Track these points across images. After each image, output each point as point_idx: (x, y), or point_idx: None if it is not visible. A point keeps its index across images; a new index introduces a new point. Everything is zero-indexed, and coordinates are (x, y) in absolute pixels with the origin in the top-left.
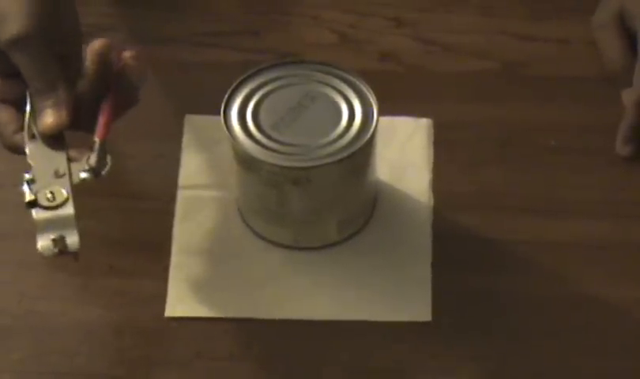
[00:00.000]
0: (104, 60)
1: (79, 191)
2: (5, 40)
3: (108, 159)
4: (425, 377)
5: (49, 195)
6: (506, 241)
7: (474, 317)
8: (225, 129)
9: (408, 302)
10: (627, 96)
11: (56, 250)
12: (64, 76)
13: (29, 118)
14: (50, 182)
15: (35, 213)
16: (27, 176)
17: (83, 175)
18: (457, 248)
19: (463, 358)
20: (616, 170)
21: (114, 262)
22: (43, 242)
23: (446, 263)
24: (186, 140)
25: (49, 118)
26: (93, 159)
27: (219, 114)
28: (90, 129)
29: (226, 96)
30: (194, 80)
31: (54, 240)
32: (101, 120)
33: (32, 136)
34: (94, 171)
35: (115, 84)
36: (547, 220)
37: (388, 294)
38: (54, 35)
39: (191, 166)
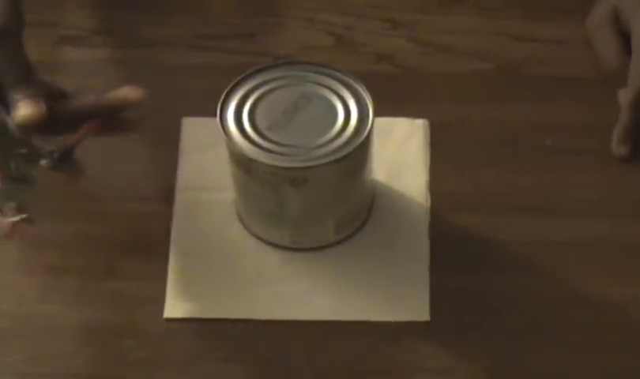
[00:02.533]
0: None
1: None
2: None
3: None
4: (423, 377)
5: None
6: (503, 241)
7: (472, 316)
8: (222, 130)
9: (406, 301)
10: (623, 96)
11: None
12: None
13: None
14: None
15: None
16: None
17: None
18: (455, 248)
19: (461, 358)
20: (613, 170)
21: (113, 264)
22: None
23: (443, 263)
24: (184, 142)
25: (28, 109)
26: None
27: (215, 116)
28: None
29: (222, 98)
30: (191, 83)
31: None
32: (82, 132)
33: None
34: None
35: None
36: (544, 220)
37: (386, 294)
38: (22, 32)
39: (189, 169)
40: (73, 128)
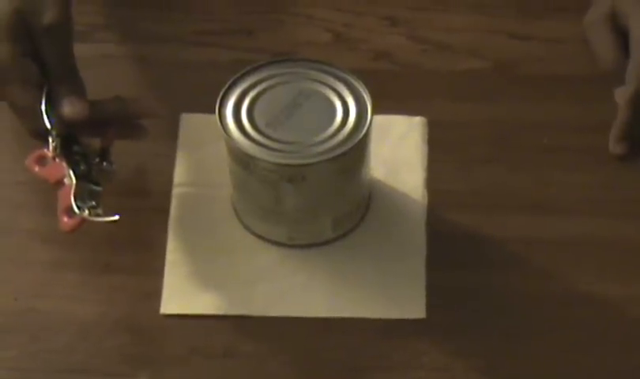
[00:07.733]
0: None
1: None
2: (43, 25)
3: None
4: (419, 374)
5: None
6: (499, 238)
7: (468, 314)
8: (220, 127)
9: (402, 299)
10: (620, 95)
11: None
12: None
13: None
14: None
15: None
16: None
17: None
18: (451, 246)
19: (456, 355)
20: (609, 169)
21: (110, 260)
22: None
23: (440, 260)
24: (182, 138)
25: (75, 106)
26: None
27: (214, 112)
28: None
29: (221, 94)
30: (189, 79)
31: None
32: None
33: None
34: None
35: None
36: (540, 218)
37: (382, 291)
38: (72, 30)
39: (187, 165)
40: (93, 132)
